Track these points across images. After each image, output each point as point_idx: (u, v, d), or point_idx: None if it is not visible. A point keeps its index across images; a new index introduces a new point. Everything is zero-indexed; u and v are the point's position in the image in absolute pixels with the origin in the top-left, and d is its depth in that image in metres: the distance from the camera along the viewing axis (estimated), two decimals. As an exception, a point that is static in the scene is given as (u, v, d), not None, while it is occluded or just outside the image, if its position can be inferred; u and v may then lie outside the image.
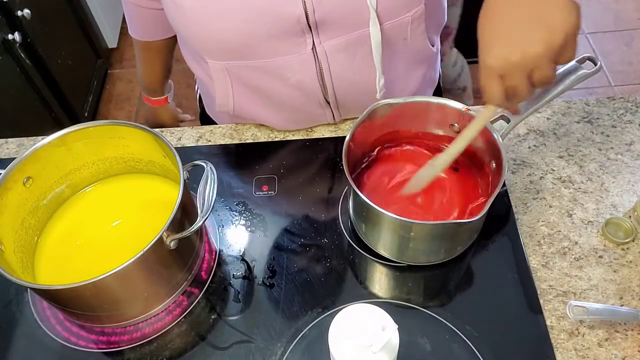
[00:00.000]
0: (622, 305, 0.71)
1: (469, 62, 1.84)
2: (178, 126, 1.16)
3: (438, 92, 1.05)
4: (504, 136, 0.72)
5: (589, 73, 0.71)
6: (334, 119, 0.91)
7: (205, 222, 0.70)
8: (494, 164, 0.73)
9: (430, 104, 0.76)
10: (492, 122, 0.73)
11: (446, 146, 0.81)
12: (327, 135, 0.92)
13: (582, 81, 0.71)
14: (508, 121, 0.73)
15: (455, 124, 0.76)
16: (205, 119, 1.08)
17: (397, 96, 0.89)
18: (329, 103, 0.87)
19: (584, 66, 0.72)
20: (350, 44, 0.79)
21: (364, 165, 0.81)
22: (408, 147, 0.82)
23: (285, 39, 0.76)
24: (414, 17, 0.79)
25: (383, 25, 0.77)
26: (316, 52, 0.79)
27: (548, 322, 0.70)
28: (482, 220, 0.70)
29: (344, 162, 0.70)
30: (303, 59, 0.79)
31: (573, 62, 0.72)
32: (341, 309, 0.58)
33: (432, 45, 0.89)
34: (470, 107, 0.74)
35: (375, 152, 0.81)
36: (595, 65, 0.72)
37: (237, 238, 0.81)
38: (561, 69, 0.72)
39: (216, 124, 1.03)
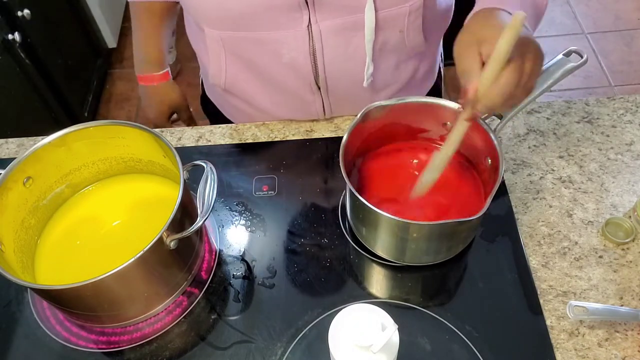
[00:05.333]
0: (622, 305, 0.71)
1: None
2: (189, 108, 1.10)
3: (437, 90, 1.05)
4: (498, 131, 0.72)
5: (576, 65, 0.72)
6: (324, 110, 0.92)
7: (205, 222, 0.70)
8: (490, 160, 0.73)
9: (423, 104, 0.76)
10: (484, 118, 0.73)
11: (441, 144, 0.81)
12: (327, 135, 0.92)
13: (570, 74, 0.72)
14: (500, 117, 0.73)
15: (449, 123, 0.77)
16: (205, 102, 1.08)
17: (384, 88, 0.89)
18: (319, 89, 0.88)
19: (570, 59, 0.72)
20: (346, 29, 0.79)
21: (361, 166, 0.81)
22: (404, 147, 0.82)
23: (283, 12, 0.77)
24: (411, 9, 0.79)
25: (379, 13, 0.78)
26: (311, 30, 0.79)
27: (548, 322, 0.70)
28: (481, 218, 0.70)
29: (341, 165, 0.70)
30: (298, 35, 0.80)
31: (560, 56, 0.72)
32: (341, 309, 0.58)
33: (427, 42, 0.89)
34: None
35: (371, 153, 0.81)
36: (582, 57, 0.72)
37: (237, 238, 0.81)
38: (548, 63, 0.72)
39: (215, 108, 1.04)
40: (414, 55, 0.89)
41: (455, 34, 0.66)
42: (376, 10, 0.77)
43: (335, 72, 0.85)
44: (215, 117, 1.07)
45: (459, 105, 0.74)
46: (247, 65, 0.86)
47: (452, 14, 0.93)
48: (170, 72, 1.07)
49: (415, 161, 0.81)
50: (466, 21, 0.68)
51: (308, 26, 0.79)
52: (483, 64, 0.60)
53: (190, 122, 1.10)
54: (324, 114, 0.93)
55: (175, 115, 1.11)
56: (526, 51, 0.60)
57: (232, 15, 0.78)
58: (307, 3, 0.76)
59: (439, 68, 1.04)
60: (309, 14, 0.78)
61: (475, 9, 0.69)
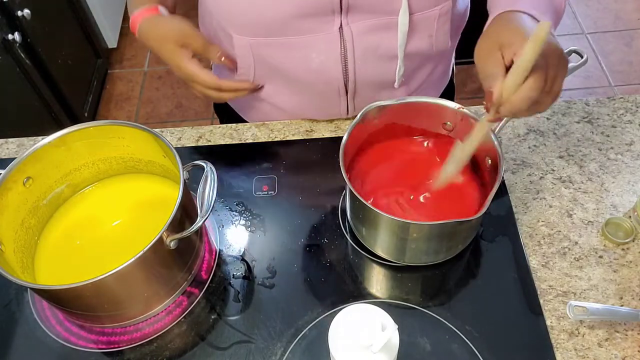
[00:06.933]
0: (622, 305, 0.71)
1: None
2: (199, 35, 0.83)
3: (450, 88, 1.05)
4: (498, 131, 0.72)
5: (577, 65, 0.72)
6: (347, 111, 0.92)
7: (205, 222, 0.70)
8: (490, 160, 0.73)
9: (423, 104, 0.77)
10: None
11: (441, 144, 0.81)
12: (327, 135, 0.92)
13: (570, 74, 0.72)
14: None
15: (449, 123, 0.77)
16: (220, 106, 1.07)
17: (401, 87, 0.88)
18: (347, 91, 0.88)
19: (570, 59, 0.72)
20: (377, 29, 0.80)
21: (361, 167, 0.81)
22: (404, 147, 0.82)
23: (314, 17, 0.77)
24: (441, 12, 0.81)
25: (412, 16, 0.78)
26: (342, 33, 0.79)
27: (548, 322, 0.70)
28: (481, 218, 0.70)
29: (341, 165, 0.70)
30: (329, 39, 0.80)
31: None
32: (341, 309, 0.59)
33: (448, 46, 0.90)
34: (462, 107, 0.74)
35: (371, 154, 0.81)
36: (582, 57, 0.72)
37: (237, 238, 0.81)
38: None
39: (231, 112, 1.02)
40: (435, 57, 0.90)
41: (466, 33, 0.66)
42: (410, 14, 0.77)
43: (365, 73, 0.85)
44: (231, 121, 1.05)
45: (459, 106, 0.74)
46: (275, 69, 0.85)
47: (468, 13, 0.93)
48: (162, 9, 0.85)
49: (416, 159, 0.81)
50: (486, 26, 0.69)
51: (339, 28, 0.79)
52: (507, 67, 0.61)
53: (206, 48, 0.83)
54: (347, 114, 0.93)
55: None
56: (550, 58, 0.60)
57: (264, 22, 0.78)
58: (340, 8, 0.76)
59: (452, 67, 1.05)
60: (340, 17, 0.78)
61: (494, 12, 0.69)
